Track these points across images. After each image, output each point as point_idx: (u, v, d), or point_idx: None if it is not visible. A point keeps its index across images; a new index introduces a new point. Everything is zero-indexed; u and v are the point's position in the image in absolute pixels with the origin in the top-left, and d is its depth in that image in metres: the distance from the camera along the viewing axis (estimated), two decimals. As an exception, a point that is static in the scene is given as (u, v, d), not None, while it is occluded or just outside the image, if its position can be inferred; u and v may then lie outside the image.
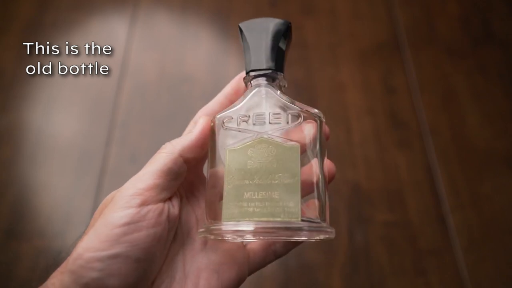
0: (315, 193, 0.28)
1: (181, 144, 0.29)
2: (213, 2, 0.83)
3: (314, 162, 0.29)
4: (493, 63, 0.77)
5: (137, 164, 0.30)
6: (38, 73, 0.76)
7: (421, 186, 0.66)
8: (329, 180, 0.31)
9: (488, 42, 0.79)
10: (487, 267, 0.61)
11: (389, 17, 0.82)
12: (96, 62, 0.77)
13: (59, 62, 0.77)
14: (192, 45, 0.79)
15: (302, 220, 0.26)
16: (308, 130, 0.29)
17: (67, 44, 0.78)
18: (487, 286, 0.60)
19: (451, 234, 0.63)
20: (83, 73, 0.76)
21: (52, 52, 0.78)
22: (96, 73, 0.76)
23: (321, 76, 0.76)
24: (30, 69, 0.76)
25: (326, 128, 0.31)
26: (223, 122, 0.30)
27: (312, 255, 0.61)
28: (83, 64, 0.77)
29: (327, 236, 0.27)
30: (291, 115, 0.29)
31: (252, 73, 0.31)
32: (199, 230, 0.29)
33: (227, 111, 0.30)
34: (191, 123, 0.32)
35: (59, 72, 0.76)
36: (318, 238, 0.28)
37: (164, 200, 0.29)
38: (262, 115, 0.29)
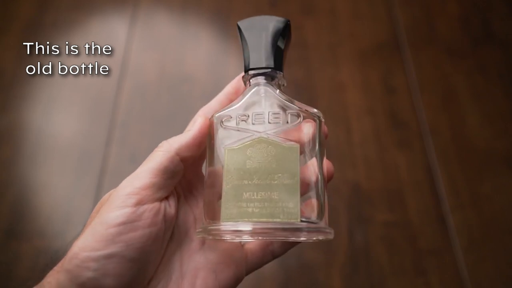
0: (314, 193, 0.28)
1: (178, 143, 0.29)
2: (213, 2, 0.83)
3: (313, 162, 0.29)
4: (493, 63, 0.77)
5: (137, 164, 0.30)
6: (38, 73, 0.76)
7: (421, 186, 0.66)
8: (327, 180, 0.31)
9: (488, 42, 0.79)
10: (487, 267, 0.61)
11: (389, 17, 0.82)
12: (96, 62, 0.77)
13: (59, 62, 0.77)
14: (192, 45, 0.79)
15: (301, 221, 0.26)
16: (308, 129, 0.29)
17: (67, 44, 0.78)
18: (487, 286, 0.60)
19: (451, 234, 0.63)
20: (83, 73, 0.76)
21: (52, 52, 0.78)
22: (96, 73, 0.76)
23: (321, 76, 0.76)
24: (30, 69, 0.76)
25: (324, 128, 0.31)
26: (222, 121, 0.29)
27: (312, 255, 0.61)
28: (83, 64, 0.77)
29: (326, 237, 0.27)
30: (291, 114, 0.29)
31: (251, 72, 0.30)
32: (197, 230, 0.28)
33: (226, 110, 0.30)
34: (191, 122, 0.32)
35: (59, 72, 0.76)
36: (316, 238, 0.28)
37: (161, 199, 0.28)
38: (262, 114, 0.29)
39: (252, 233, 0.26)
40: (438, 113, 0.73)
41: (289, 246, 0.32)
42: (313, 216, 0.28)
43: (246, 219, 0.26)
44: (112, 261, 0.25)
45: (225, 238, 0.28)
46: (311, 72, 0.76)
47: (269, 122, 0.29)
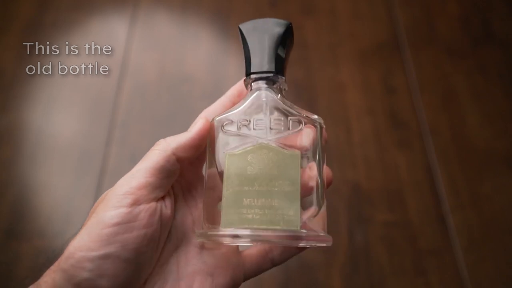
0: (314, 200, 0.28)
1: (175, 142, 0.29)
2: (213, 2, 0.83)
3: (314, 169, 0.29)
4: (493, 63, 0.77)
5: (137, 164, 0.30)
6: (38, 73, 0.76)
7: (421, 186, 0.66)
8: (326, 186, 0.31)
9: (488, 42, 0.79)
10: (487, 267, 0.61)
11: (389, 17, 0.82)
12: (96, 62, 0.77)
13: (59, 62, 0.77)
14: (192, 45, 0.79)
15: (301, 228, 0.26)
16: (309, 136, 0.29)
17: (67, 44, 0.78)
18: (487, 286, 0.60)
19: (451, 234, 0.63)
20: (83, 73, 0.76)
21: (52, 52, 0.78)
22: (96, 73, 0.76)
23: (321, 76, 0.76)
24: (30, 69, 0.76)
25: (325, 134, 0.31)
26: (223, 125, 0.29)
27: (312, 255, 0.61)
28: (83, 64, 0.77)
29: (324, 244, 0.27)
30: (292, 121, 0.29)
31: (252, 76, 0.30)
32: (196, 235, 0.28)
33: (227, 114, 0.30)
34: (193, 124, 0.32)
35: (59, 72, 0.76)
36: (316, 246, 0.28)
37: (157, 199, 0.28)
38: (263, 120, 0.29)
39: (252, 240, 0.26)
40: (438, 113, 0.73)
41: (289, 254, 0.32)
42: (310, 221, 0.28)
43: (246, 226, 0.26)
44: (107, 262, 0.25)
45: (225, 243, 0.28)
46: (311, 72, 0.76)
47: (270, 128, 0.28)
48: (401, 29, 0.80)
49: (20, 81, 0.75)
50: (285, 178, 0.27)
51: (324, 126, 0.30)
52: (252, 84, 0.31)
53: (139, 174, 0.28)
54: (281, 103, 0.30)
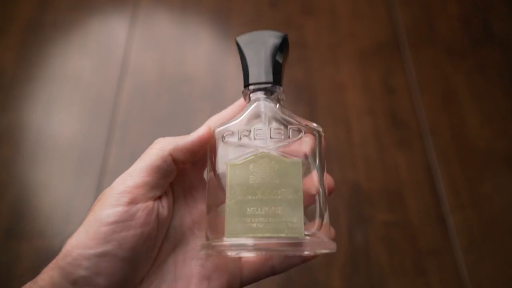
0: (317, 211, 0.29)
1: (174, 143, 0.29)
2: (213, 2, 0.83)
3: (314, 176, 0.29)
4: (493, 63, 0.77)
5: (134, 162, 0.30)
6: (38, 73, 0.76)
7: (421, 186, 0.66)
8: (328, 194, 0.31)
9: (488, 42, 0.79)
10: (487, 267, 0.61)
11: (389, 17, 0.82)
12: (96, 62, 0.77)
13: (59, 62, 0.77)
14: (192, 45, 0.79)
15: (305, 235, 0.27)
16: (308, 144, 0.29)
17: (67, 44, 0.79)
18: (487, 286, 0.60)
19: (451, 234, 0.63)
20: (83, 73, 0.76)
21: (52, 52, 0.78)
22: (96, 73, 0.76)
23: (321, 76, 0.76)
24: (30, 69, 0.76)
25: (323, 142, 0.31)
26: (223, 136, 0.30)
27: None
28: (83, 64, 0.77)
29: (329, 250, 0.27)
30: (292, 129, 0.29)
31: (250, 87, 0.31)
32: (200, 247, 0.28)
33: (227, 125, 0.30)
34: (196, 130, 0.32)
35: (59, 72, 0.76)
36: (320, 252, 0.28)
37: (154, 199, 0.28)
38: (263, 129, 0.29)
39: (257, 248, 0.27)
40: (438, 113, 0.73)
41: (290, 263, 0.31)
42: (315, 230, 0.28)
43: (250, 235, 0.26)
44: (104, 260, 0.26)
45: (230, 254, 0.28)
46: (311, 72, 0.76)
47: (270, 137, 0.29)
48: (401, 29, 0.80)
49: (20, 81, 0.75)
50: (287, 186, 0.27)
51: (323, 134, 0.31)
52: (251, 95, 0.31)
53: (136, 173, 0.28)
54: (280, 112, 0.30)
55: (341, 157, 0.69)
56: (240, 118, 0.30)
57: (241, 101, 0.33)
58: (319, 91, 0.74)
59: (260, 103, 0.30)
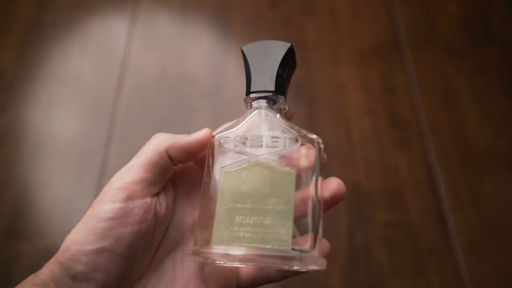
0: (310, 224, 0.28)
1: (171, 141, 0.29)
2: (213, 2, 0.83)
3: (310, 189, 0.28)
4: (493, 63, 0.77)
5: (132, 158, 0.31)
6: (38, 73, 0.76)
7: (421, 186, 0.66)
8: (336, 202, 0.30)
9: (488, 42, 0.79)
10: (487, 267, 0.61)
11: (389, 17, 0.82)
12: (96, 62, 0.77)
13: (59, 62, 0.77)
14: (192, 45, 0.79)
15: (293, 249, 0.26)
16: (306, 155, 0.29)
17: (67, 44, 0.79)
18: (487, 286, 0.60)
19: (451, 234, 0.63)
20: (83, 73, 0.76)
21: (52, 52, 0.78)
22: (96, 73, 0.76)
23: (321, 76, 0.76)
24: (30, 69, 0.76)
25: (324, 155, 0.30)
26: (220, 143, 0.29)
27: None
28: (83, 64, 0.77)
29: (317, 267, 0.26)
30: (289, 139, 0.29)
31: (252, 95, 0.31)
32: (189, 252, 0.28)
33: (226, 132, 0.30)
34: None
35: (59, 72, 0.76)
36: (308, 269, 0.27)
37: (152, 195, 0.28)
38: (260, 137, 0.29)
39: (241, 259, 0.26)
40: (438, 113, 0.73)
41: (286, 273, 0.31)
42: (306, 245, 0.27)
43: (237, 244, 0.26)
44: (102, 256, 0.26)
45: (216, 262, 0.28)
46: (311, 72, 0.76)
47: (267, 146, 0.28)
48: (401, 29, 0.80)
49: (20, 81, 0.75)
50: (278, 196, 0.27)
51: (323, 146, 0.30)
52: (252, 103, 0.31)
53: (134, 169, 0.28)
54: (280, 121, 0.30)
55: (341, 157, 0.69)
56: (240, 125, 0.30)
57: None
58: (319, 91, 0.74)
59: (261, 111, 0.30)
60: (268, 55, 0.31)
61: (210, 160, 0.30)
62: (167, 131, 0.31)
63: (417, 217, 0.64)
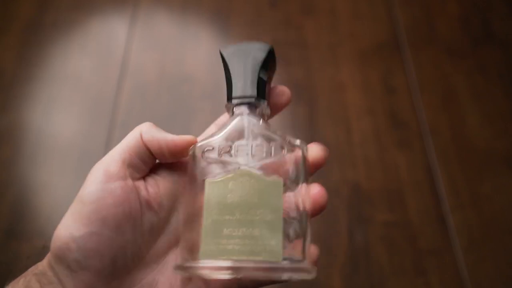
0: (297, 228, 0.27)
1: (151, 133, 0.29)
2: (213, 2, 0.83)
3: (297, 196, 0.28)
4: (493, 63, 0.77)
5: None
6: (38, 73, 0.76)
7: (421, 186, 0.66)
8: (318, 211, 0.29)
9: (488, 42, 0.79)
10: (487, 267, 0.61)
11: (389, 17, 0.82)
12: (96, 62, 0.77)
13: (59, 62, 0.77)
14: (192, 45, 0.79)
15: (283, 259, 0.25)
16: (291, 162, 0.28)
17: (67, 44, 0.78)
18: (487, 286, 0.60)
19: (451, 234, 0.63)
20: (83, 73, 0.76)
21: (52, 52, 0.78)
22: (96, 73, 0.76)
23: (321, 76, 0.76)
24: (30, 69, 0.76)
25: (309, 159, 0.29)
26: (203, 152, 0.28)
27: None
28: (83, 64, 0.77)
29: (308, 277, 0.26)
30: (274, 146, 0.28)
31: (234, 101, 0.29)
32: (173, 267, 0.27)
33: (207, 140, 0.29)
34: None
35: (59, 72, 0.76)
36: (298, 279, 0.26)
37: (134, 179, 0.28)
38: (245, 146, 0.28)
39: (232, 272, 0.25)
40: (438, 113, 0.73)
41: (259, 282, 0.30)
42: (296, 255, 0.26)
43: (225, 257, 0.25)
44: (92, 241, 0.26)
45: (203, 276, 0.27)
46: (311, 72, 0.76)
47: (252, 154, 0.28)
48: (401, 29, 0.80)
49: (20, 81, 0.75)
50: (266, 206, 0.26)
51: (307, 151, 0.29)
52: (234, 109, 0.30)
53: (113, 152, 0.29)
54: (264, 128, 0.29)
55: (341, 157, 0.69)
56: (222, 133, 0.29)
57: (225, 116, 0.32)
58: (319, 91, 0.74)
59: (244, 117, 0.29)
60: (248, 58, 0.30)
61: (193, 169, 0.29)
62: (167, 131, 0.31)
63: (417, 217, 0.64)
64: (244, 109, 0.29)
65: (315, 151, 0.30)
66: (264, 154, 0.28)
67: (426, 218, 0.64)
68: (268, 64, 0.30)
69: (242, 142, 0.28)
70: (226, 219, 0.26)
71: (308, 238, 0.27)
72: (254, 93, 0.29)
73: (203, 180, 0.27)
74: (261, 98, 0.29)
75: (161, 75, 0.76)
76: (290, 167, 0.28)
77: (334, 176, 0.67)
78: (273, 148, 0.28)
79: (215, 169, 0.28)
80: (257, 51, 0.30)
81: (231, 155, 0.28)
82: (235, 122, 0.29)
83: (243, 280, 0.29)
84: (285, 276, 0.25)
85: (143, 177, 0.30)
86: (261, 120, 0.30)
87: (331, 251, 0.61)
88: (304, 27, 0.80)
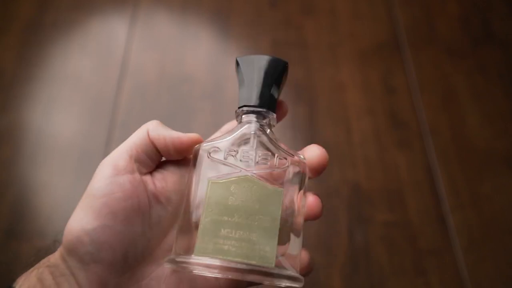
0: (291, 239, 0.28)
1: (158, 131, 0.30)
2: (213, 2, 0.83)
3: (292, 205, 0.29)
4: (493, 63, 0.77)
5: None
6: (38, 73, 0.76)
7: (421, 186, 0.66)
8: (312, 218, 0.30)
9: (488, 42, 0.79)
10: (487, 267, 0.61)
11: (389, 17, 0.82)
12: (96, 62, 0.77)
13: (59, 62, 0.77)
14: (192, 45, 0.79)
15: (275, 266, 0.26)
16: (293, 174, 0.29)
17: (67, 44, 0.78)
18: (487, 286, 0.60)
19: (451, 234, 0.63)
20: (83, 73, 0.76)
21: (52, 52, 0.78)
22: (96, 73, 0.76)
23: (321, 76, 0.76)
24: (30, 69, 0.76)
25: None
26: (209, 153, 0.29)
27: (312, 255, 0.61)
28: (83, 64, 0.77)
29: (296, 286, 0.27)
30: (279, 158, 0.29)
31: (244, 108, 0.31)
32: (165, 260, 0.28)
33: (215, 142, 0.30)
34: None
35: (59, 72, 0.76)
36: (286, 286, 0.27)
37: (141, 173, 0.29)
38: (250, 153, 0.29)
39: (225, 271, 0.26)
40: (438, 113, 0.73)
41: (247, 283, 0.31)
42: (287, 263, 0.27)
43: (221, 257, 0.26)
44: (103, 234, 0.26)
45: (194, 271, 0.28)
46: (311, 72, 0.76)
47: (257, 162, 0.29)
48: (401, 29, 0.80)
49: (20, 81, 0.75)
50: (266, 214, 0.27)
51: (307, 166, 0.30)
52: (243, 116, 0.31)
53: (121, 148, 0.29)
54: (270, 139, 0.30)
55: (341, 157, 0.69)
56: (229, 138, 0.30)
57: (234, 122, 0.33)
58: (319, 91, 0.74)
59: (251, 126, 0.30)
60: (263, 70, 0.31)
61: (196, 167, 0.29)
62: (167, 131, 0.31)
63: (417, 217, 0.64)
64: (252, 117, 0.31)
65: (317, 153, 0.31)
66: (268, 163, 0.29)
67: (426, 218, 0.64)
68: (281, 78, 0.32)
69: (248, 148, 0.29)
70: (224, 220, 0.27)
71: (299, 247, 0.29)
72: (265, 104, 0.31)
73: (206, 179, 0.28)
74: (271, 109, 0.31)
75: (161, 75, 0.76)
76: (290, 179, 0.29)
77: (334, 176, 0.67)
78: (277, 159, 0.29)
79: (218, 170, 0.29)
80: (273, 66, 0.31)
81: (236, 160, 0.29)
82: (243, 128, 0.30)
83: (236, 281, 0.30)
84: (275, 282, 0.26)
85: (150, 172, 0.30)
86: (268, 130, 0.31)
87: (331, 251, 0.61)
88: (304, 27, 0.80)
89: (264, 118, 0.31)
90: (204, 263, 0.26)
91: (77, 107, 0.73)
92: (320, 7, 0.83)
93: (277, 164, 0.29)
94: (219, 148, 0.29)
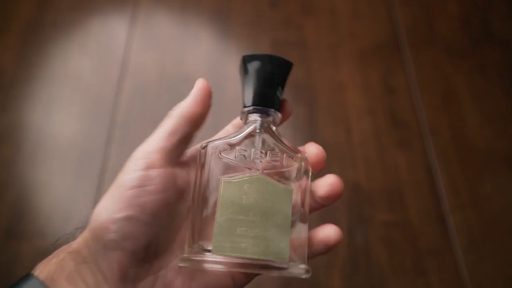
0: (299, 232, 0.29)
1: (180, 107, 0.30)
2: (213, 2, 0.83)
3: (298, 201, 0.30)
4: (493, 63, 0.77)
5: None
6: (38, 73, 0.76)
7: (421, 186, 0.66)
8: (333, 200, 0.32)
9: (488, 42, 0.79)
10: (487, 267, 0.61)
11: (389, 17, 0.82)
12: (96, 62, 0.77)
13: (59, 62, 0.77)
14: (192, 45, 0.79)
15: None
16: (299, 171, 0.30)
17: (67, 44, 0.79)
18: (487, 286, 0.60)
19: (451, 234, 0.63)
20: (83, 73, 0.76)
21: (52, 52, 0.78)
22: (96, 73, 0.76)
23: (321, 76, 0.76)
24: (30, 69, 0.76)
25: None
26: (220, 152, 0.30)
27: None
28: (83, 64, 0.77)
29: (305, 276, 0.28)
30: (287, 156, 0.30)
31: (250, 108, 0.31)
32: (180, 259, 0.28)
33: (225, 140, 0.30)
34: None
35: (59, 72, 0.76)
36: (296, 276, 0.29)
37: (172, 165, 0.29)
38: (261, 152, 0.30)
39: (241, 267, 0.27)
40: (438, 113, 0.73)
41: (252, 277, 0.32)
42: (298, 257, 0.29)
43: (238, 254, 0.27)
44: (129, 224, 0.27)
45: (212, 268, 0.29)
46: (311, 72, 0.76)
47: (267, 162, 0.30)
48: (401, 29, 0.80)
49: (20, 81, 0.75)
50: (278, 212, 0.28)
51: (309, 164, 0.31)
52: (249, 115, 0.31)
53: (153, 139, 0.29)
54: (276, 138, 0.31)
55: (341, 157, 0.69)
56: (237, 137, 0.31)
57: (238, 120, 0.34)
58: (319, 91, 0.74)
59: (257, 125, 0.31)
60: (269, 69, 0.31)
61: (205, 165, 0.30)
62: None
63: (417, 217, 0.64)
64: (258, 117, 0.31)
65: (315, 151, 0.32)
66: (278, 163, 0.30)
67: (426, 218, 0.64)
68: (286, 78, 0.32)
69: (258, 148, 0.30)
70: (240, 218, 0.28)
71: (306, 241, 0.30)
72: (271, 104, 0.31)
73: (216, 178, 0.29)
74: (276, 109, 0.31)
75: (161, 75, 0.76)
76: (297, 176, 0.30)
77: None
78: (285, 158, 0.30)
79: (229, 169, 0.30)
80: (279, 66, 0.32)
81: (247, 159, 0.30)
82: (250, 128, 0.31)
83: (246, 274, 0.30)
84: (286, 274, 0.28)
85: (179, 164, 0.30)
86: (274, 128, 0.32)
87: (331, 251, 0.61)
88: (304, 27, 0.80)
89: (270, 117, 0.31)
90: (223, 261, 0.27)
91: (77, 107, 0.73)
92: (320, 7, 0.83)
93: (285, 162, 0.30)
94: (229, 147, 0.30)
